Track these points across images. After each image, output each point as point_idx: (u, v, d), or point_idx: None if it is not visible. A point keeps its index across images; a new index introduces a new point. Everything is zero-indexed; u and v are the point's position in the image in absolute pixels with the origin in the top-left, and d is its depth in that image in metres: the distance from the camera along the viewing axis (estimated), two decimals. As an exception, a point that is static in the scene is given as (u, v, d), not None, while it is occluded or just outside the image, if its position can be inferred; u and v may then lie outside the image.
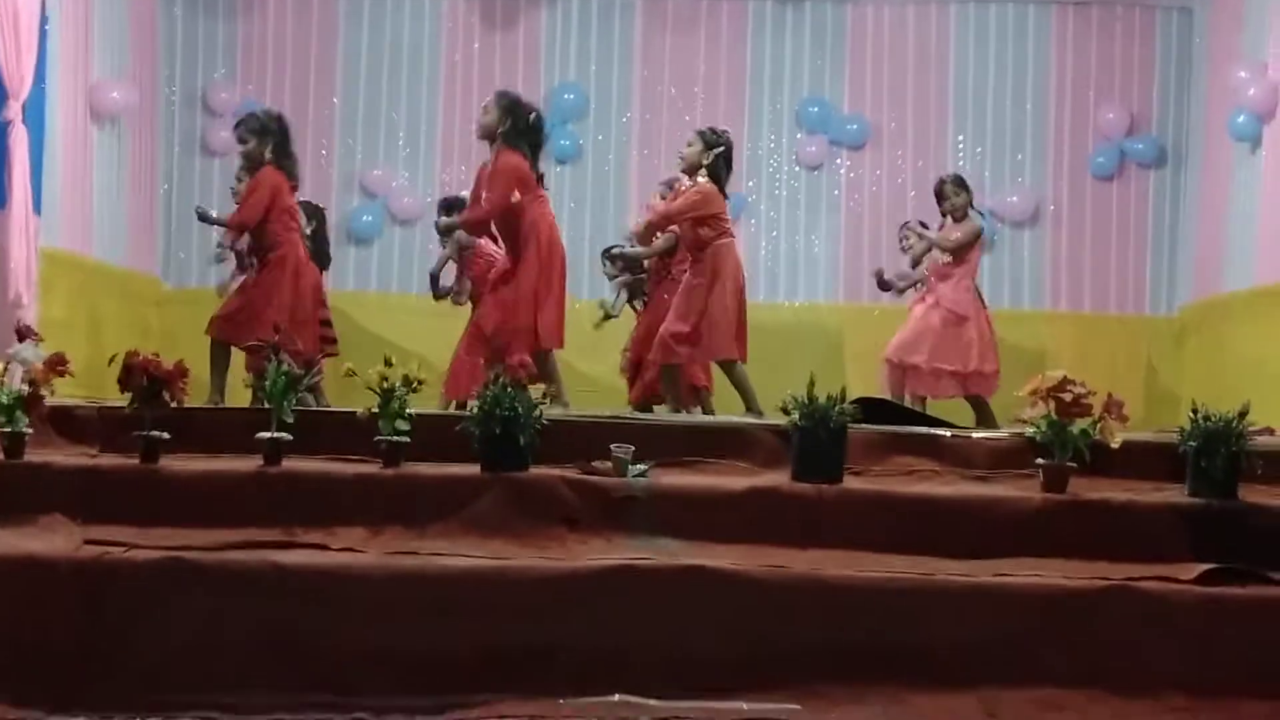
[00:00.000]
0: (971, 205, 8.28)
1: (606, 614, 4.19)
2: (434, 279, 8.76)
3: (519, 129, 6.70)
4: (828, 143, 10.57)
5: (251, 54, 10.55)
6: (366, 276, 10.52)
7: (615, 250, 8.77)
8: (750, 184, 10.56)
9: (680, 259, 7.75)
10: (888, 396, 7.74)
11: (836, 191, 10.61)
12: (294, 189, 7.19)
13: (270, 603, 4.16)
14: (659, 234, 7.66)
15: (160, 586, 4.17)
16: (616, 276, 8.76)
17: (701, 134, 7.10)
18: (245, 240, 7.28)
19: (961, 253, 8.09)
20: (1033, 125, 10.51)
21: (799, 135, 10.60)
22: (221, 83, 10.52)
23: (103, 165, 9.11)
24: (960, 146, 10.51)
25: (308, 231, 7.98)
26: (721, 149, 7.05)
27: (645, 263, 8.28)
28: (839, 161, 10.61)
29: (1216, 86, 9.57)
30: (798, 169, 10.61)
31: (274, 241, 6.93)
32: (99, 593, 4.15)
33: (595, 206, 10.51)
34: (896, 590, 4.26)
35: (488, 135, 6.75)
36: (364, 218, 10.51)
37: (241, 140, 7.04)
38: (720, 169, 7.09)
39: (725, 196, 7.23)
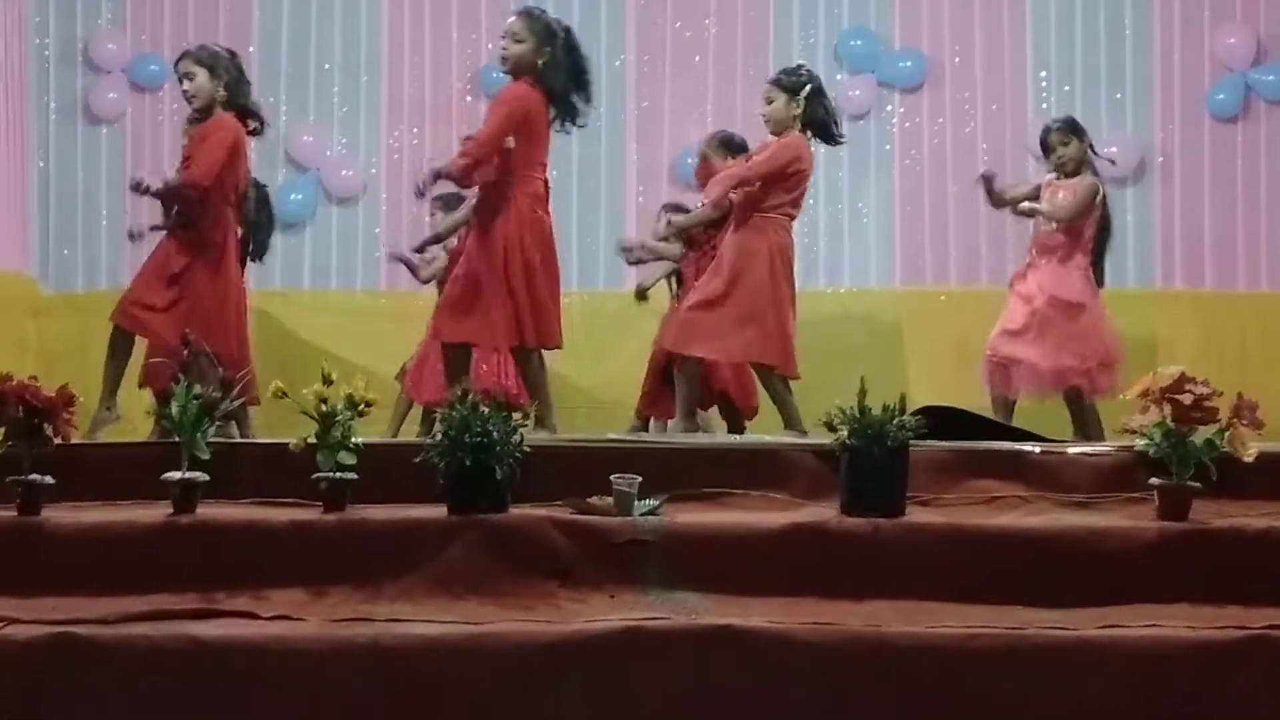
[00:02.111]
0: (1094, 150, 8.18)
1: (610, 690, 4.19)
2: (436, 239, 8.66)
3: (559, 58, 6.59)
4: (875, 85, 10.58)
5: (144, -7, 10.58)
6: (297, 270, 10.54)
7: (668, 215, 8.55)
8: (779, 140, 10.56)
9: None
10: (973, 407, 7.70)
11: (888, 146, 10.62)
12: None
13: (186, 687, 4.16)
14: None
15: (46, 671, 4.17)
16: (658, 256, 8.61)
17: (776, 82, 7.18)
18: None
19: (1077, 221, 8.03)
20: (1134, 55, 10.51)
21: (839, 76, 10.59)
22: (107, 31, 10.55)
23: (-42, 139, 9.17)
24: (1043, 85, 10.51)
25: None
26: (809, 87, 7.10)
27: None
28: (890, 108, 10.62)
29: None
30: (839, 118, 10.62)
31: (213, 214, 6.79)
32: (-31, 681, 4.16)
33: (582, 176, 10.53)
34: (977, 650, 4.26)
35: (524, 70, 6.56)
36: (292, 196, 10.51)
37: (186, 75, 6.88)
38: (820, 115, 7.15)
39: (839, 141, 7.42)
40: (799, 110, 7.06)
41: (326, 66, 10.61)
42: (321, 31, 10.62)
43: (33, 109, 10.36)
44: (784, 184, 7.06)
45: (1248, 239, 10.44)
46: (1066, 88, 10.49)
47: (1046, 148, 8.12)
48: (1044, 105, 10.47)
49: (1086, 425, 7.93)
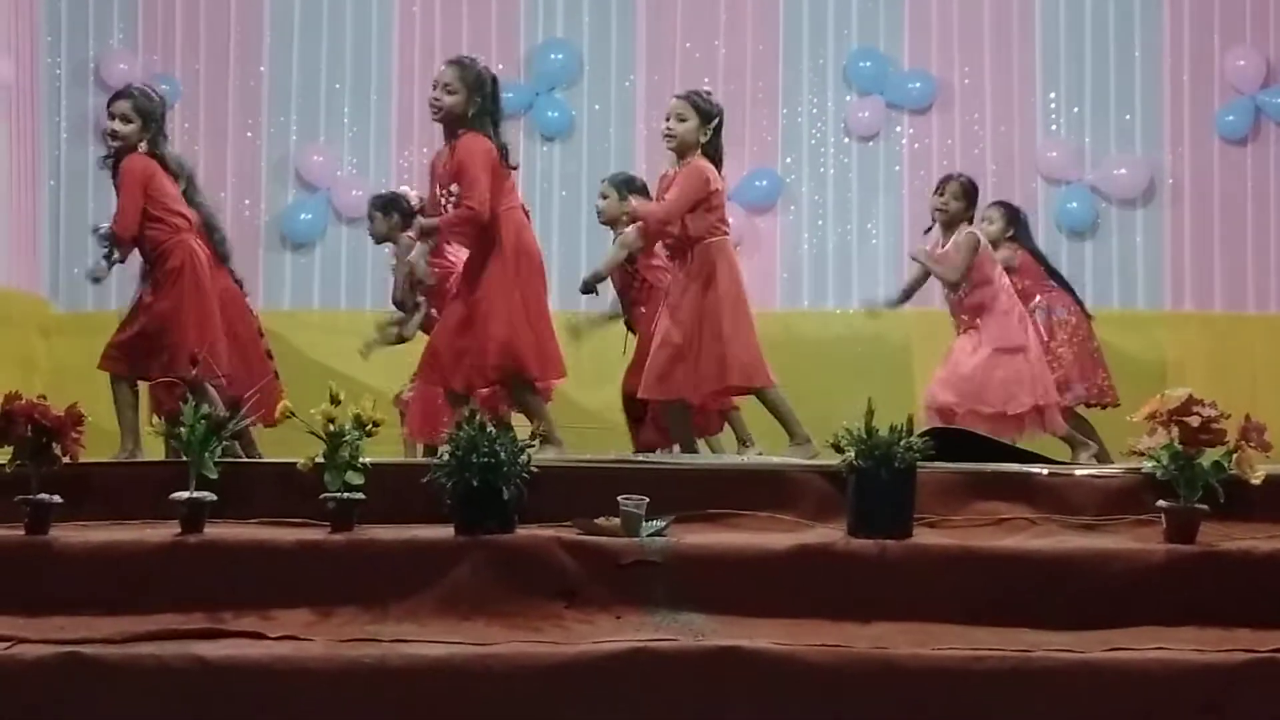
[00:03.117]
0: (969, 221, 8.28)
1: (616, 711, 4.19)
2: (402, 306, 8.67)
3: (487, 107, 6.72)
4: (884, 106, 10.60)
5: (155, 14, 10.62)
6: (307, 290, 10.56)
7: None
8: (788, 160, 10.60)
9: (649, 256, 7.79)
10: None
11: (897, 167, 10.64)
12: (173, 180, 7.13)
13: (193, 708, 4.16)
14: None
15: (54, 690, 4.18)
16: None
17: (693, 103, 6.98)
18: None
19: (980, 273, 8.11)
20: (1143, 77, 10.53)
21: (848, 98, 10.64)
22: (118, 52, 10.59)
23: (-30, 158, 9.20)
24: (1053, 107, 10.53)
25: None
26: (718, 120, 7.03)
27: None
28: (899, 129, 10.65)
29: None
30: (847, 140, 10.65)
31: (159, 249, 6.88)
32: (-24, 700, 4.16)
33: (592, 193, 10.52)
34: (985, 673, 4.26)
35: (454, 119, 6.72)
36: (301, 216, 10.56)
37: (123, 117, 6.83)
38: (719, 148, 7.06)
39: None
40: (705, 139, 6.94)
41: (337, 86, 10.65)
42: (332, 52, 10.65)
43: (44, 129, 10.39)
44: (704, 208, 6.91)
45: (1257, 261, 10.44)
46: (1075, 109, 10.51)
47: (940, 189, 8.21)
48: (1053, 127, 10.51)
49: (1076, 447, 7.97)
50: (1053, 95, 10.55)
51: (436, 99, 6.71)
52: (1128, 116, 10.54)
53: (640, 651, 4.29)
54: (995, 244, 8.65)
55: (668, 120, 6.98)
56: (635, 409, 7.94)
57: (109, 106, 6.94)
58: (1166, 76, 10.52)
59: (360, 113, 10.64)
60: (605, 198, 8.12)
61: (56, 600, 4.62)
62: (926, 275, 8.34)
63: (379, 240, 8.69)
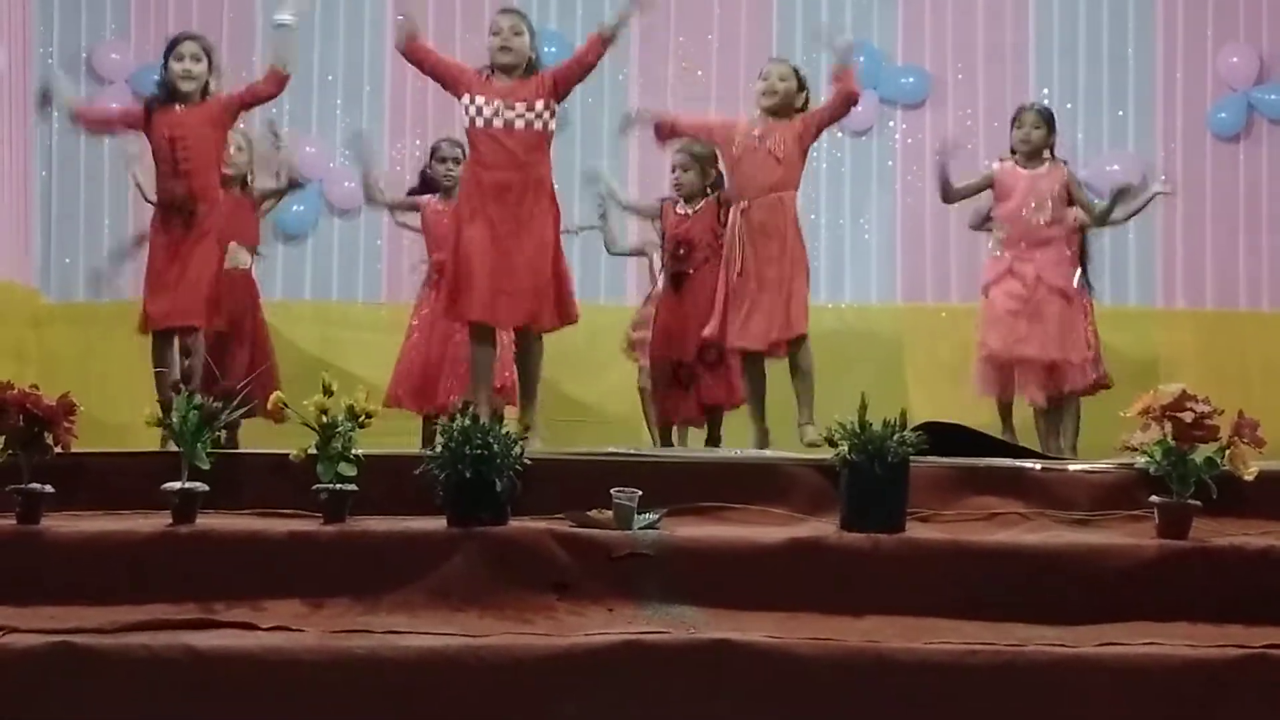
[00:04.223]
0: (1053, 153, 8.28)
1: (608, 703, 4.20)
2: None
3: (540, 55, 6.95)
4: (877, 101, 10.59)
5: (147, 5, 10.59)
6: (298, 281, 10.54)
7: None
8: (781, 155, 10.58)
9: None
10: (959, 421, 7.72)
11: (890, 162, 10.63)
12: None
13: (184, 698, 4.16)
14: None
15: (45, 680, 4.18)
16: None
17: (794, 69, 7.34)
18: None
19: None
20: (1136, 73, 10.53)
21: (841, 92, 10.63)
22: (111, 42, 10.56)
23: (-39, 148, 9.18)
24: (1045, 103, 10.50)
25: None
26: (807, 91, 7.33)
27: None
28: (892, 124, 10.64)
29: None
30: (840, 135, 10.62)
31: (211, 197, 6.93)
32: (-32, 690, 4.16)
33: (585, 189, 10.51)
34: (977, 667, 4.26)
35: (522, 63, 6.87)
36: (294, 208, 10.52)
37: (194, 57, 7.00)
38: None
39: None
40: (800, 105, 7.24)
41: (330, 78, 10.63)
42: (325, 42, 10.63)
43: (35, 118, 10.36)
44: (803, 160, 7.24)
45: (1249, 258, 10.45)
46: (1069, 105, 10.49)
47: (1017, 122, 8.20)
48: (1046, 122, 10.51)
49: (1067, 425, 7.97)
50: (1045, 90, 10.54)
51: (506, 42, 6.90)
52: (1120, 112, 10.55)
53: (632, 644, 4.29)
54: None
55: (766, 79, 7.26)
56: (684, 374, 7.86)
57: (171, 51, 7.08)
58: (1159, 73, 10.53)
59: (353, 105, 10.62)
60: (687, 170, 7.99)
61: (48, 590, 4.63)
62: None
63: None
